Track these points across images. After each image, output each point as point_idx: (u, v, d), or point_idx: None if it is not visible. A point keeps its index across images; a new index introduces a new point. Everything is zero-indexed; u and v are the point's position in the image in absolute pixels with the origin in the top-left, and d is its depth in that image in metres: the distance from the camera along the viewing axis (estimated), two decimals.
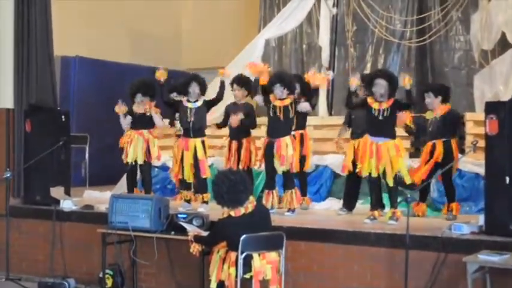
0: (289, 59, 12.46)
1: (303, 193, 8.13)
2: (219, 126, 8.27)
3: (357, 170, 7.21)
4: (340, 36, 11.36)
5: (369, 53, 11.64)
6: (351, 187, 7.81)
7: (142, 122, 8.18)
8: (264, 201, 7.52)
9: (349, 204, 7.83)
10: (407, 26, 11.20)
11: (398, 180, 6.96)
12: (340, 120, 8.30)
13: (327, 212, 8.08)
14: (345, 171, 7.73)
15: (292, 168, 7.55)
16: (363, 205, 7.90)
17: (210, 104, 8.04)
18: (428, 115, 7.43)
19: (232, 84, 8.17)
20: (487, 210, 6.17)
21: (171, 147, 8.60)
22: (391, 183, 6.97)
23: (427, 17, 11.01)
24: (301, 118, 7.88)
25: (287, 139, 7.50)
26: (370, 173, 6.98)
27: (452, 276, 5.87)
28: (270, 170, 7.65)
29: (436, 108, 7.36)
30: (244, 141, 8.08)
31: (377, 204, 7.12)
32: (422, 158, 7.40)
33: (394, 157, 6.90)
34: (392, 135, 6.99)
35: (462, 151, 7.38)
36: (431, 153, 7.29)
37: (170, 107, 8.40)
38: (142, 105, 8.19)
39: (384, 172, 6.94)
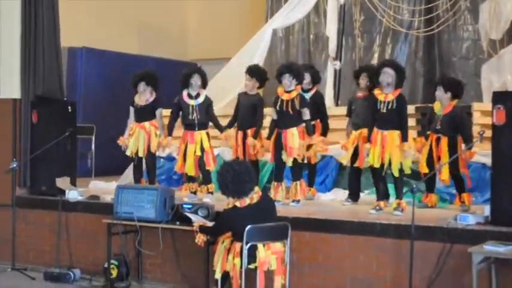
0: (296, 49, 12.42)
1: (311, 183, 8.12)
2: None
3: (356, 162, 7.29)
4: (347, 26, 11.28)
5: (376, 43, 11.60)
6: (352, 178, 7.85)
7: (144, 114, 8.16)
8: (272, 193, 7.51)
9: (353, 195, 7.83)
10: (415, 15, 11.14)
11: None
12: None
13: (332, 202, 8.06)
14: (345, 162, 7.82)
15: (300, 159, 7.55)
16: (368, 195, 7.88)
17: (208, 110, 7.96)
18: (436, 108, 7.34)
19: (245, 73, 8.15)
20: (493, 200, 6.13)
21: (177, 138, 8.60)
22: (396, 174, 6.94)
23: (435, 6, 10.94)
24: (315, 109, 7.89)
25: (294, 130, 7.48)
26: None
27: (458, 266, 5.84)
28: (279, 162, 7.64)
29: (444, 104, 7.28)
30: (250, 131, 8.06)
31: (383, 195, 7.09)
32: (424, 149, 7.33)
33: (397, 147, 6.87)
34: (398, 127, 6.94)
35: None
36: (436, 146, 7.23)
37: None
38: (145, 94, 8.18)
39: (390, 162, 6.91)
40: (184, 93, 7.98)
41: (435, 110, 7.35)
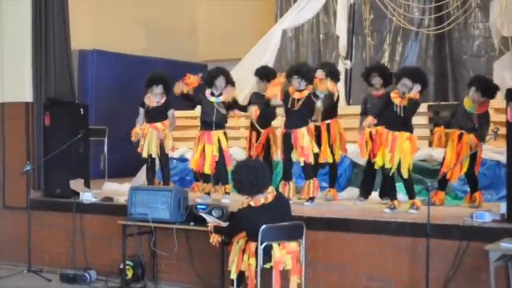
0: (306, 49, 12.42)
1: (332, 184, 8.14)
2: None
3: (372, 160, 7.25)
4: (357, 25, 11.27)
5: (386, 42, 11.57)
6: (366, 175, 7.85)
7: (156, 114, 8.17)
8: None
9: (364, 192, 7.83)
10: (426, 13, 11.11)
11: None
12: (358, 109, 8.24)
13: (346, 201, 8.04)
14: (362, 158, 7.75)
15: (308, 159, 7.54)
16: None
17: (231, 105, 8.01)
18: (468, 105, 7.26)
19: (255, 76, 8.16)
20: (509, 198, 6.10)
21: (189, 139, 8.63)
22: (405, 175, 6.91)
23: (445, 4, 10.91)
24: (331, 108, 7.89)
25: (303, 130, 7.48)
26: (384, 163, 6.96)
27: (475, 264, 5.82)
28: (287, 162, 7.64)
29: (477, 103, 7.23)
30: (264, 131, 8.06)
31: (394, 194, 7.07)
32: (448, 146, 7.30)
33: (404, 149, 6.85)
34: (407, 129, 6.93)
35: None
36: (457, 143, 7.21)
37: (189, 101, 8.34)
38: (156, 96, 8.17)
39: (399, 163, 6.88)
40: (208, 91, 8.01)
41: (466, 107, 7.27)
